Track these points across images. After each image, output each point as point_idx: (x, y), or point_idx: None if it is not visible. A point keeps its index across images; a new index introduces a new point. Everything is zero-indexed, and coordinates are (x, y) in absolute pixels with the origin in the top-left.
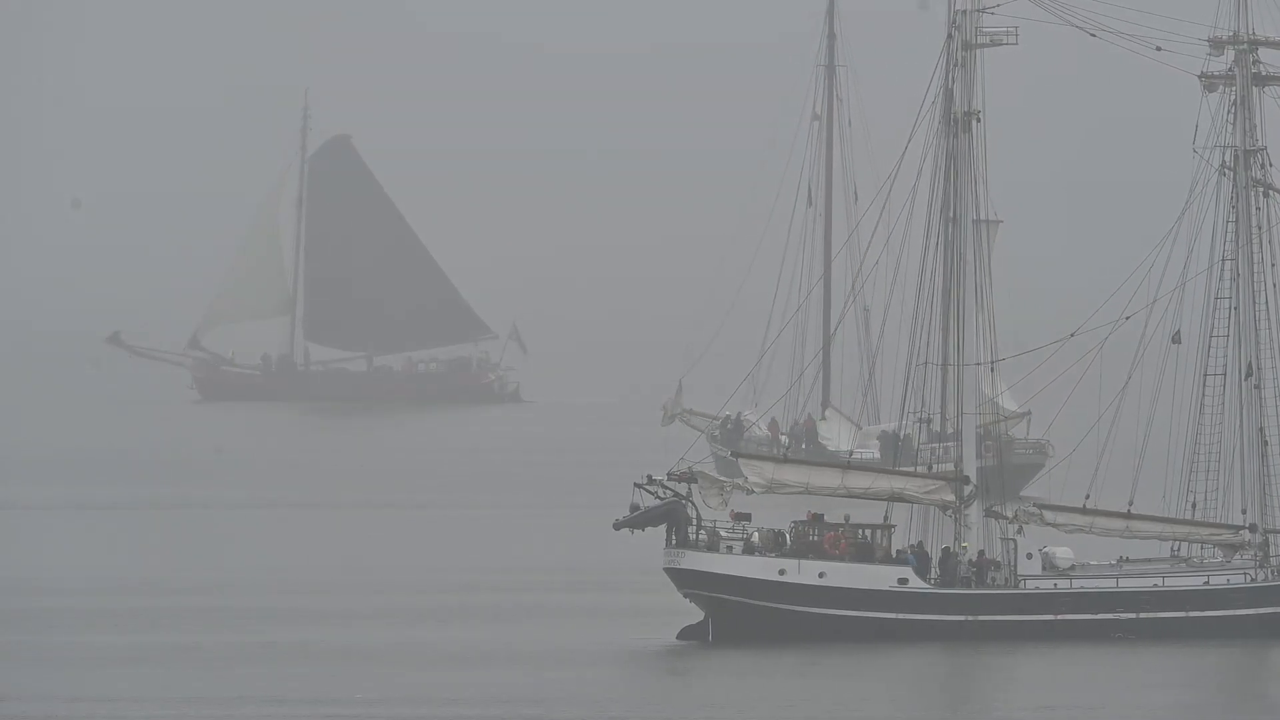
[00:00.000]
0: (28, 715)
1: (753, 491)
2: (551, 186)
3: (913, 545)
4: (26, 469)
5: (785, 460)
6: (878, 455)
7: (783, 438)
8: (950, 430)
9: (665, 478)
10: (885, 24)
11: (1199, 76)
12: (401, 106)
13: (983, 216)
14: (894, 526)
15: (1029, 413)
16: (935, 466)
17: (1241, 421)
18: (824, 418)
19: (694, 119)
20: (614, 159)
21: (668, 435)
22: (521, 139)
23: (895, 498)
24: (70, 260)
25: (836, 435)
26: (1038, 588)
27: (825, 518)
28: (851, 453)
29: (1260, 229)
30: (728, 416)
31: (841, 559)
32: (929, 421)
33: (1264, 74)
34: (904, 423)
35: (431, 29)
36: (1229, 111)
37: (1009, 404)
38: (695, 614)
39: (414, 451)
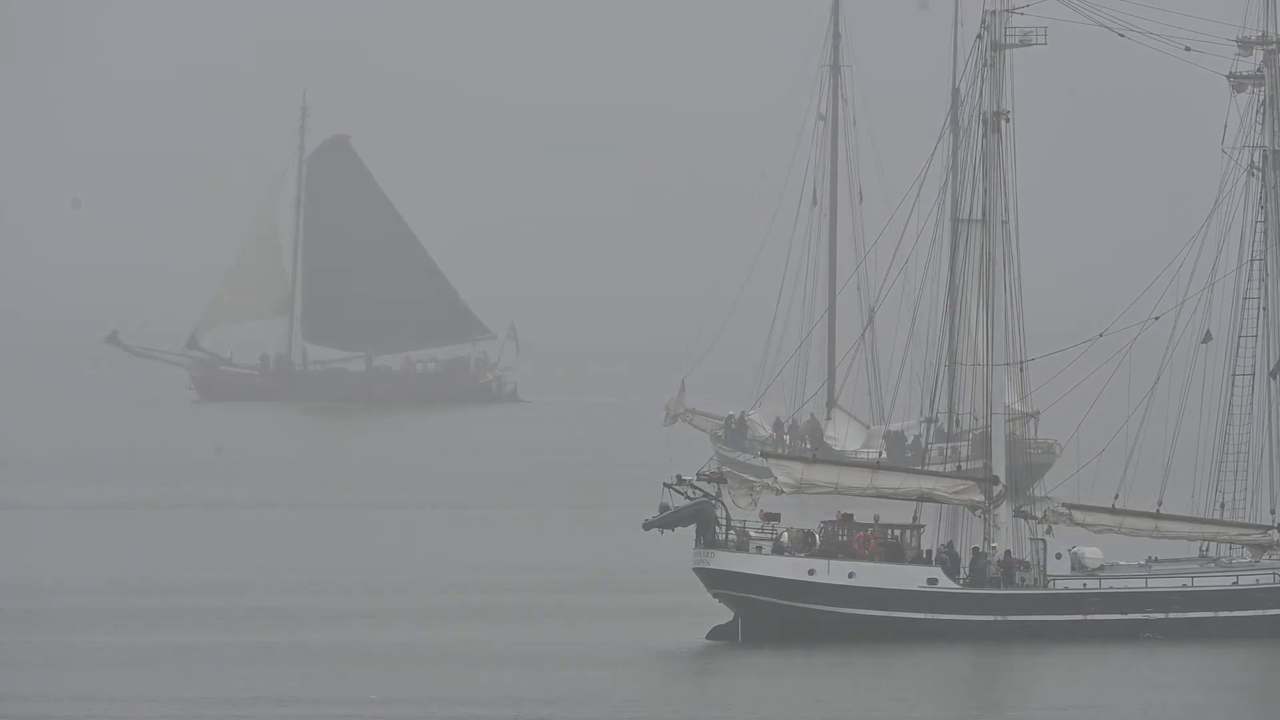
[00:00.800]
0: (28, 715)
1: (782, 492)
2: (551, 185)
3: (943, 545)
4: (26, 469)
5: (814, 460)
6: (884, 455)
7: (785, 438)
8: (958, 430)
9: (695, 478)
10: (885, 24)
11: (1228, 77)
12: (400, 107)
13: (1005, 219)
14: (923, 526)
15: (1037, 412)
16: (964, 466)
17: (1270, 421)
18: (829, 417)
19: (695, 117)
20: (612, 157)
21: (670, 435)
22: (522, 136)
23: (924, 498)
24: (69, 259)
25: (842, 435)
26: (1067, 588)
27: (855, 518)
28: (881, 453)
29: None
30: (730, 416)
31: (871, 559)
32: (935, 421)
33: None
34: (933, 422)
35: None
36: (1258, 111)
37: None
38: (723, 614)
39: (413, 451)
